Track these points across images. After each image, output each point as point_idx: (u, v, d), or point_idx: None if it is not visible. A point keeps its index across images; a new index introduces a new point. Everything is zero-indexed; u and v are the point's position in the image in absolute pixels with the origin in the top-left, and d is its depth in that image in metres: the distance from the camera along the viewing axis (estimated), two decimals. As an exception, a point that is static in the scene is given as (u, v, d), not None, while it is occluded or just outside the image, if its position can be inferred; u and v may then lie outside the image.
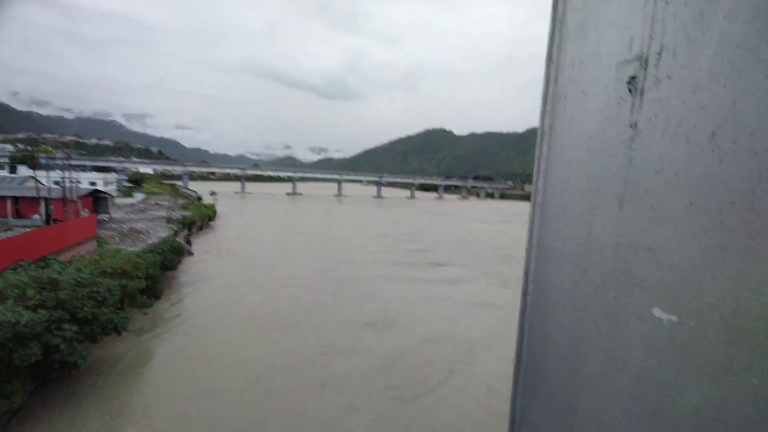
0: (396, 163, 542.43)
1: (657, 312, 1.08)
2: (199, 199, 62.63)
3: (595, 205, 1.31)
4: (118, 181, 62.08)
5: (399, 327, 16.46)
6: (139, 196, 55.37)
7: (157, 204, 45.93)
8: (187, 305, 17.78)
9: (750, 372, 0.91)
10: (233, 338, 14.62)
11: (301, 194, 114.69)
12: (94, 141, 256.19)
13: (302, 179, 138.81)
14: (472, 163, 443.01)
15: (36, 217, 25.56)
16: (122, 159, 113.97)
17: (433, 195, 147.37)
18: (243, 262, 26.44)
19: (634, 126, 1.18)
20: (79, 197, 28.10)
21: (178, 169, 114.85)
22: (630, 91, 1.19)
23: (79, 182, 30.48)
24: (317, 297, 19.87)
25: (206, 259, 26.79)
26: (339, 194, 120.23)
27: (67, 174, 25.30)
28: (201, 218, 40.55)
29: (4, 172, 48.74)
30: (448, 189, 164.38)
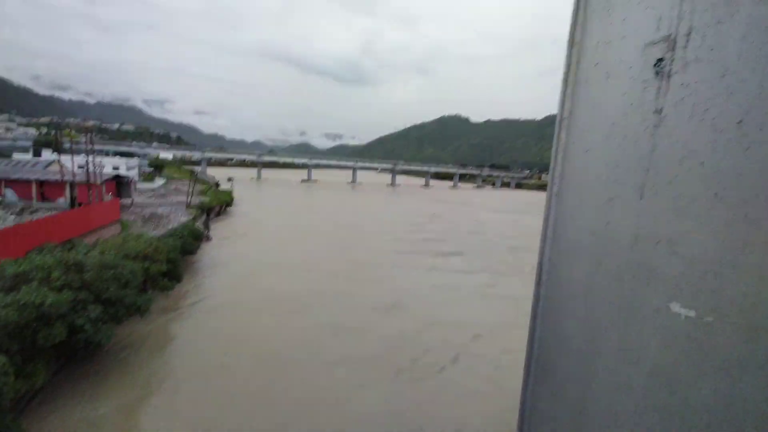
0: (410, 150, 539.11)
1: (674, 306, 1.06)
2: (217, 185, 63.44)
3: (614, 195, 1.27)
4: (140, 166, 63.32)
5: (408, 311, 16.91)
6: (159, 181, 56.41)
7: (176, 189, 46.76)
8: (206, 288, 18.35)
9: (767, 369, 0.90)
10: (250, 318, 15.18)
11: (316, 181, 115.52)
12: (115, 126, 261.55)
13: (317, 166, 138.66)
14: (489, 152, 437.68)
15: (61, 200, 26.29)
16: (143, 144, 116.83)
17: (447, 184, 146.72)
18: (259, 247, 26.99)
19: (658, 111, 1.14)
20: (103, 182, 28.75)
21: (196, 155, 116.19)
22: (656, 74, 1.15)
23: (102, 167, 31.12)
24: (330, 281, 20.46)
25: (224, 244, 27.31)
26: (353, 182, 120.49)
27: (90, 158, 25.85)
28: (219, 204, 41.13)
29: (29, 156, 50.12)
30: (463, 178, 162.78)
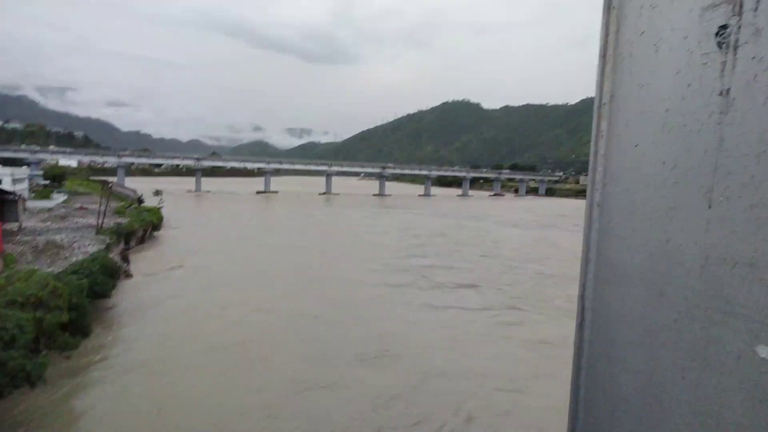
0: (404, 148, 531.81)
1: (762, 351, 1.05)
2: (140, 201, 63.03)
3: (674, 204, 1.27)
4: (31, 178, 62.60)
5: (402, 360, 17.24)
6: (59, 198, 55.75)
7: (83, 208, 46.22)
8: (125, 342, 18.02)
9: None
10: (188, 380, 15.10)
11: (276, 193, 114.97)
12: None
13: (277, 173, 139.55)
14: (508, 148, 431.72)
15: None
16: (36, 148, 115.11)
17: (454, 192, 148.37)
18: (199, 284, 26.85)
19: (725, 94, 1.14)
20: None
21: (111, 161, 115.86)
22: (719, 45, 1.16)
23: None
24: (296, 324, 20.89)
25: (151, 282, 27.00)
26: (327, 192, 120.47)
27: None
28: (143, 227, 40.69)
29: None
30: (475, 183, 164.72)
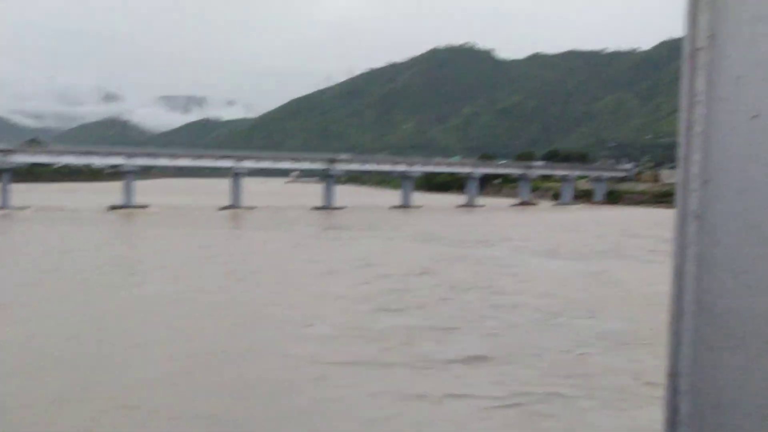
0: (367, 128, 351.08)
1: None
2: None
3: None
4: None
5: None
6: None
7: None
8: None
9: None
10: None
11: (145, 207, 79.16)
12: None
13: (147, 172, 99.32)
14: (541, 124, 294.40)
15: None
16: None
17: (453, 199, 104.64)
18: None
19: None
20: None
21: None
22: None
23: None
24: None
25: None
26: (234, 205, 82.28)
27: None
28: None
29: None
30: (487, 184, 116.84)
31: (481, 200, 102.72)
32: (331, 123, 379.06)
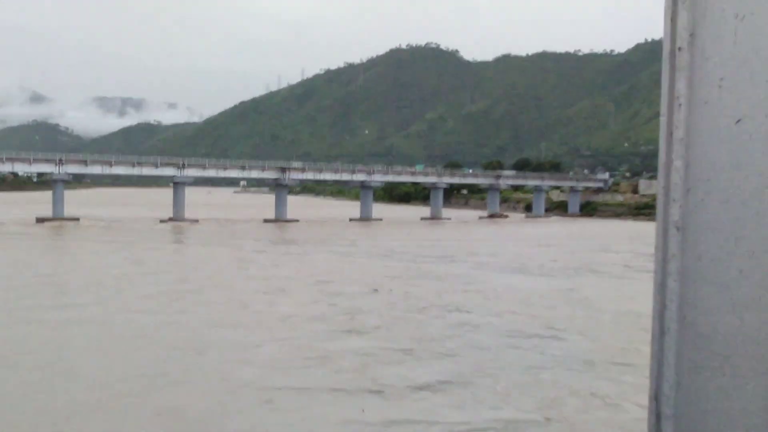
0: (321, 134, 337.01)
1: None
2: None
3: None
4: None
5: None
6: None
7: None
8: None
9: None
10: None
11: (76, 221, 73.37)
12: None
13: (79, 180, 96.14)
14: (511, 131, 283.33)
15: None
16: None
17: (417, 211, 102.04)
18: None
19: None
20: None
21: None
22: None
23: None
24: None
25: None
26: (176, 218, 77.03)
27: None
28: None
29: None
30: (453, 195, 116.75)
31: (448, 213, 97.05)
32: (282, 128, 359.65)
